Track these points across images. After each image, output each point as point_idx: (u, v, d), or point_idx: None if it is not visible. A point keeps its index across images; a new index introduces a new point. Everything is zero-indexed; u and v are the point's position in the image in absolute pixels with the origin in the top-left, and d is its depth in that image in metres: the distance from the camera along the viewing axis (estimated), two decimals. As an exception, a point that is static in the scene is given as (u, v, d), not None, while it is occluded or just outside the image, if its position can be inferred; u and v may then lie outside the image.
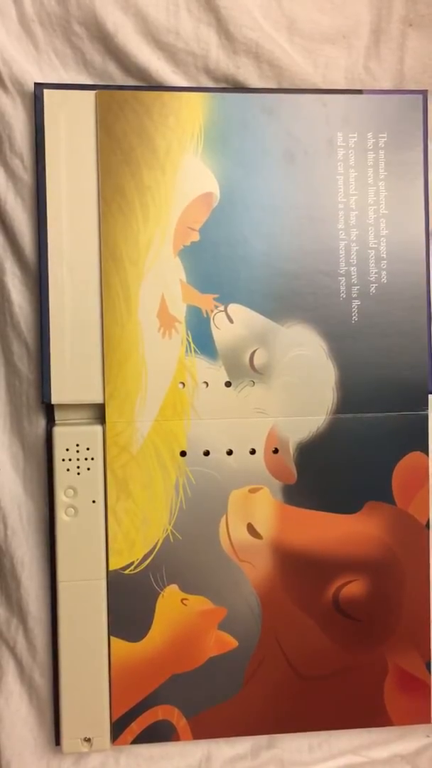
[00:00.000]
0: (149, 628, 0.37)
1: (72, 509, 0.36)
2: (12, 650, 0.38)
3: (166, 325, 0.37)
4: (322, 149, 0.37)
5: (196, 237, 0.37)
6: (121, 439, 0.36)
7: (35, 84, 0.36)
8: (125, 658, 0.37)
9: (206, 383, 0.37)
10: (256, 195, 0.37)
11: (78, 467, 0.36)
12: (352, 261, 0.38)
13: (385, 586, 0.38)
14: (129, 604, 0.37)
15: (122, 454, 0.37)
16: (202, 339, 0.37)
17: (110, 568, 0.37)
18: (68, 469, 0.36)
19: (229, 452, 0.37)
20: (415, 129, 0.38)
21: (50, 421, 0.37)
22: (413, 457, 0.38)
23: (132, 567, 0.37)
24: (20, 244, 0.37)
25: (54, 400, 0.36)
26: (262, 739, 0.40)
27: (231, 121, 0.37)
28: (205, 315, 0.37)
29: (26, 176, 0.37)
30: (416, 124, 0.38)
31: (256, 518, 0.38)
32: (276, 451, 0.38)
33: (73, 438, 0.36)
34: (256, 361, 0.37)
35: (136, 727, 0.37)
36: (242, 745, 0.40)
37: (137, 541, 0.37)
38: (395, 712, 0.39)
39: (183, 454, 0.37)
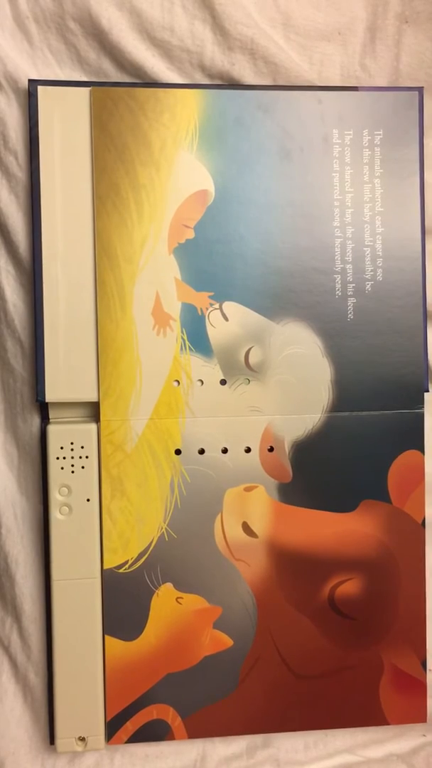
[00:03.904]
0: (144, 627, 0.37)
1: (66, 508, 0.36)
2: (6, 649, 0.38)
3: (160, 323, 0.37)
4: (318, 146, 0.37)
5: (191, 234, 0.37)
6: (115, 438, 0.36)
7: (29, 81, 0.36)
8: (120, 657, 0.37)
9: (201, 381, 0.37)
10: (251, 192, 0.37)
11: (72, 465, 0.36)
12: (347, 258, 0.38)
13: (380, 585, 0.38)
14: (123, 602, 0.37)
15: (117, 452, 0.36)
16: (197, 337, 0.37)
17: (105, 567, 0.37)
18: (62, 468, 0.36)
19: (224, 450, 0.37)
20: (410, 126, 0.38)
21: (44, 420, 0.37)
22: (409, 455, 0.38)
23: (126, 566, 0.37)
24: (14, 241, 0.37)
25: (48, 398, 0.36)
26: (257, 738, 0.40)
27: (226, 118, 0.37)
28: (200, 313, 0.37)
29: (20, 173, 0.37)
30: (412, 121, 0.38)
31: (252, 517, 0.38)
32: (271, 449, 0.38)
33: (67, 436, 0.36)
34: (252, 359, 0.37)
35: (131, 726, 0.37)
36: (237, 744, 0.40)
37: (132, 539, 0.37)
38: (391, 711, 0.39)
39: (178, 452, 0.37)
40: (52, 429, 0.36)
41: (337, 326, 0.38)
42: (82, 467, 0.36)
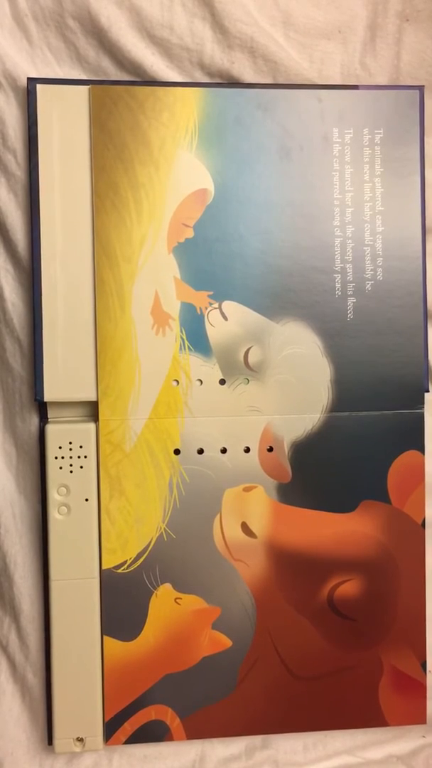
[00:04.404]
0: (142, 628, 0.37)
1: (65, 507, 0.36)
2: (5, 649, 0.38)
3: (159, 322, 0.36)
4: (318, 145, 0.37)
5: (190, 234, 0.36)
6: (114, 437, 0.36)
7: (28, 79, 0.36)
8: (118, 658, 0.37)
9: (200, 381, 0.37)
10: (250, 191, 0.37)
11: (71, 465, 0.36)
12: (347, 258, 0.38)
13: (380, 586, 0.38)
14: (122, 603, 0.37)
15: (115, 452, 0.36)
16: (196, 336, 0.37)
17: (103, 567, 0.36)
18: (61, 467, 0.36)
19: (224, 450, 0.37)
20: (411, 125, 0.38)
21: (43, 419, 0.37)
22: (409, 455, 0.38)
23: (125, 566, 0.37)
24: (13, 240, 0.37)
25: (47, 397, 0.36)
26: (256, 740, 0.40)
27: (225, 117, 0.36)
28: (199, 312, 0.37)
29: (19, 172, 0.37)
30: (413, 119, 0.38)
31: (251, 517, 0.37)
32: (270, 449, 0.37)
33: (65, 436, 0.36)
34: (251, 359, 0.37)
35: (129, 727, 0.37)
36: (236, 745, 0.39)
37: (130, 539, 0.37)
38: (390, 712, 0.39)
39: (177, 452, 0.37)
40: (50, 428, 0.36)
41: (337, 326, 0.38)
42: (81, 467, 0.36)
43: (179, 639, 0.37)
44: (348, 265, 0.38)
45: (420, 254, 0.38)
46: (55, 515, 0.36)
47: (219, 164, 0.36)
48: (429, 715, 0.40)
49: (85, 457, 0.36)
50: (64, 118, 0.36)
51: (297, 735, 0.40)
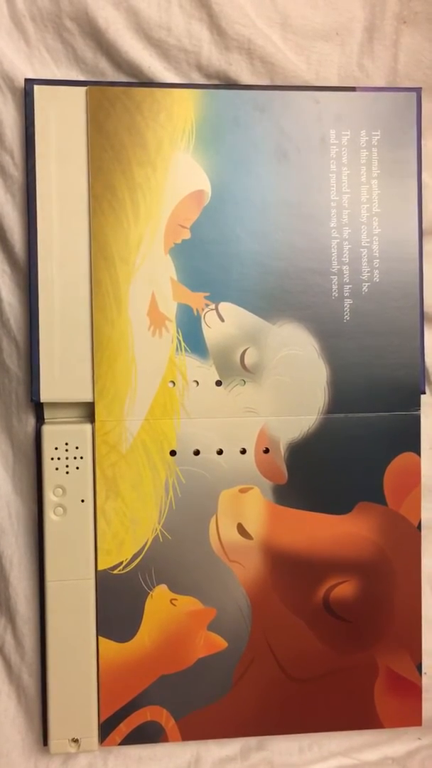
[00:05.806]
0: (138, 629, 0.37)
1: (61, 508, 0.36)
2: (0, 650, 0.38)
3: (156, 323, 0.36)
4: (315, 147, 0.37)
5: (187, 235, 0.36)
6: (110, 438, 0.36)
7: (26, 80, 0.36)
8: (114, 659, 0.37)
9: (196, 382, 0.37)
10: (247, 193, 0.37)
11: (67, 466, 0.36)
12: (344, 260, 0.38)
13: (376, 588, 0.38)
14: (118, 604, 0.37)
15: (111, 453, 0.36)
16: (192, 338, 0.37)
17: (99, 568, 0.36)
18: (57, 468, 0.36)
19: (220, 452, 0.37)
20: (408, 127, 0.38)
21: (39, 420, 0.37)
22: (405, 457, 0.38)
23: (121, 567, 0.37)
24: (10, 241, 0.37)
25: (43, 398, 0.36)
26: (251, 741, 0.40)
27: (223, 118, 0.36)
28: (195, 313, 0.37)
29: (16, 173, 0.37)
30: (410, 121, 0.38)
31: (247, 518, 0.37)
32: (267, 450, 0.37)
33: (62, 436, 0.36)
34: (247, 360, 0.37)
35: (125, 728, 0.37)
36: (231, 746, 0.39)
37: (126, 540, 0.37)
38: (386, 714, 0.39)
39: (173, 453, 0.37)
40: (46, 429, 0.36)
41: (334, 327, 0.38)
42: (77, 468, 0.36)
43: (175, 640, 0.37)
44: (345, 267, 0.38)
45: (417, 256, 0.38)
46: (51, 516, 0.36)
47: (216, 165, 0.36)
48: (424, 717, 0.40)
49: (81, 458, 0.36)
50: (62, 119, 0.36)
51: (292, 736, 0.40)
